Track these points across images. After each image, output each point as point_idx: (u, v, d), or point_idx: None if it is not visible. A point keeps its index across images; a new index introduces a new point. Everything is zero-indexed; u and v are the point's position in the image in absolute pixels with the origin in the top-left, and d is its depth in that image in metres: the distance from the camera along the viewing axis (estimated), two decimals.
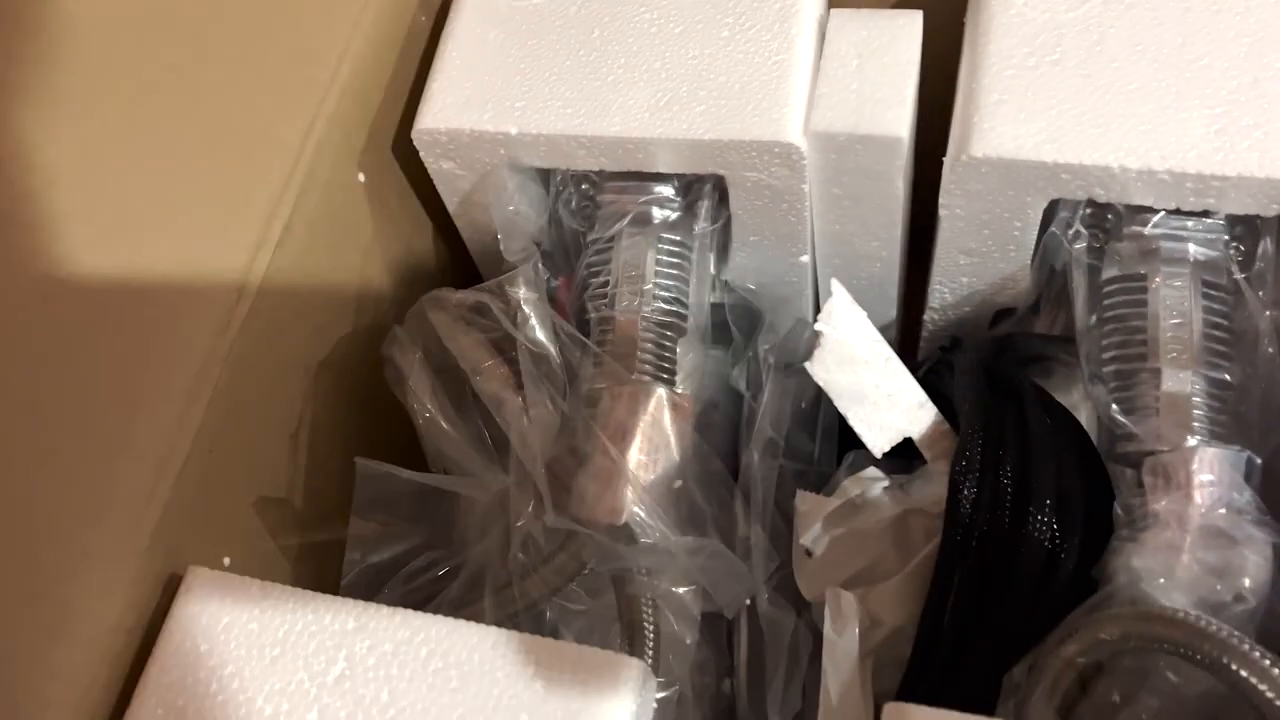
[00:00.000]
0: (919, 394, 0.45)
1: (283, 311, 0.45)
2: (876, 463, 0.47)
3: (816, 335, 0.45)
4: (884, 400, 0.44)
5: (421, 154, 0.49)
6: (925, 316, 0.53)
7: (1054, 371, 0.53)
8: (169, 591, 0.38)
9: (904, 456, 0.46)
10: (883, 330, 0.55)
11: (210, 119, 0.44)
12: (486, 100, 0.47)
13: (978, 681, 0.40)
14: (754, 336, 0.53)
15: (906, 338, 0.58)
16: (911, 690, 0.42)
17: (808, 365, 0.45)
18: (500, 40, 0.49)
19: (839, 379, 0.45)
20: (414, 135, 0.48)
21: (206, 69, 0.45)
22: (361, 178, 0.49)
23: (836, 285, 0.46)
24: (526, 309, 0.45)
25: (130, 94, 0.43)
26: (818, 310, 0.47)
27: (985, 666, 0.40)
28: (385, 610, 0.37)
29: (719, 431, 0.57)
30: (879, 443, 0.45)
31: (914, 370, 0.48)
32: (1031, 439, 0.42)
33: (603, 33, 0.48)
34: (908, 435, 0.45)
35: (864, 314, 0.45)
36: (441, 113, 0.47)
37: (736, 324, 0.55)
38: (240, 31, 0.46)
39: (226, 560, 0.43)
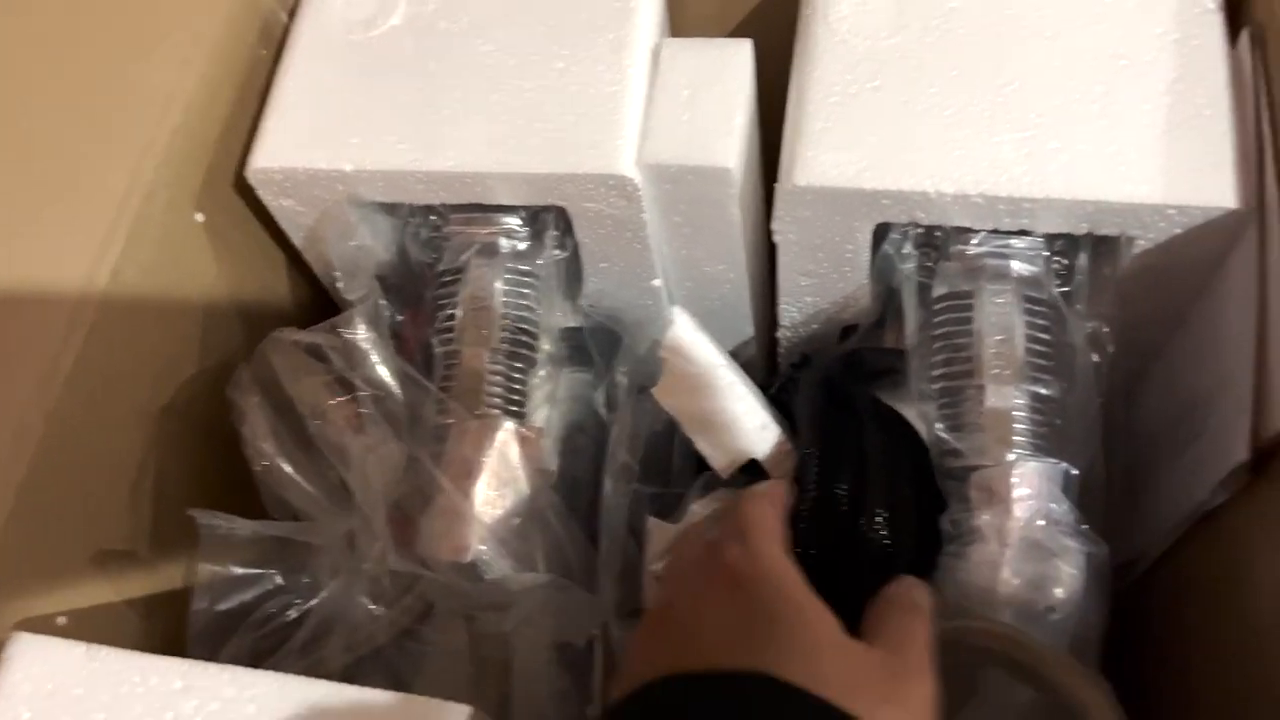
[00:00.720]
0: (762, 416, 0.46)
1: (116, 360, 0.44)
2: (729, 483, 0.48)
3: (660, 362, 0.45)
4: (728, 424, 0.45)
5: (259, 192, 0.48)
6: (778, 334, 0.53)
7: (901, 384, 0.55)
8: None
9: (758, 475, 0.47)
10: (741, 348, 0.57)
11: (27, 168, 0.42)
12: (322, 137, 0.47)
13: None
14: (614, 359, 0.53)
15: (771, 354, 0.59)
16: None
17: (653, 392, 0.46)
18: (336, 75, 0.48)
19: (684, 405, 0.45)
20: (249, 174, 0.47)
21: (21, 114, 0.43)
22: (200, 218, 0.49)
23: (679, 311, 0.46)
24: (365, 348, 0.45)
25: None
26: None
27: None
28: (213, 668, 0.36)
29: (585, 455, 0.57)
30: (723, 465, 0.45)
31: (769, 388, 0.48)
32: (867, 453, 0.43)
33: (439, 66, 0.48)
34: (752, 457, 0.45)
35: (707, 338, 0.46)
36: (276, 151, 0.47)
37: (597, 347, 0.55)
38: (60, 75, 0.45)
39: (62, 620, 0.42)
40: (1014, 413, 0.42)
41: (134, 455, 0.46)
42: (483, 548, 0.43)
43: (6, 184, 0.42)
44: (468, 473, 0.44)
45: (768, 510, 0.35)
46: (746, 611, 0.31)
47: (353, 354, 0.44)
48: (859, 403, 0.45)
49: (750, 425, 0.45)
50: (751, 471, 0.47)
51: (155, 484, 0.47)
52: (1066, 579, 0.38)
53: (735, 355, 0.57)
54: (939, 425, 0.42)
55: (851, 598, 0.40)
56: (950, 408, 0.43)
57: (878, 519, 0.42)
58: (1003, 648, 0.37)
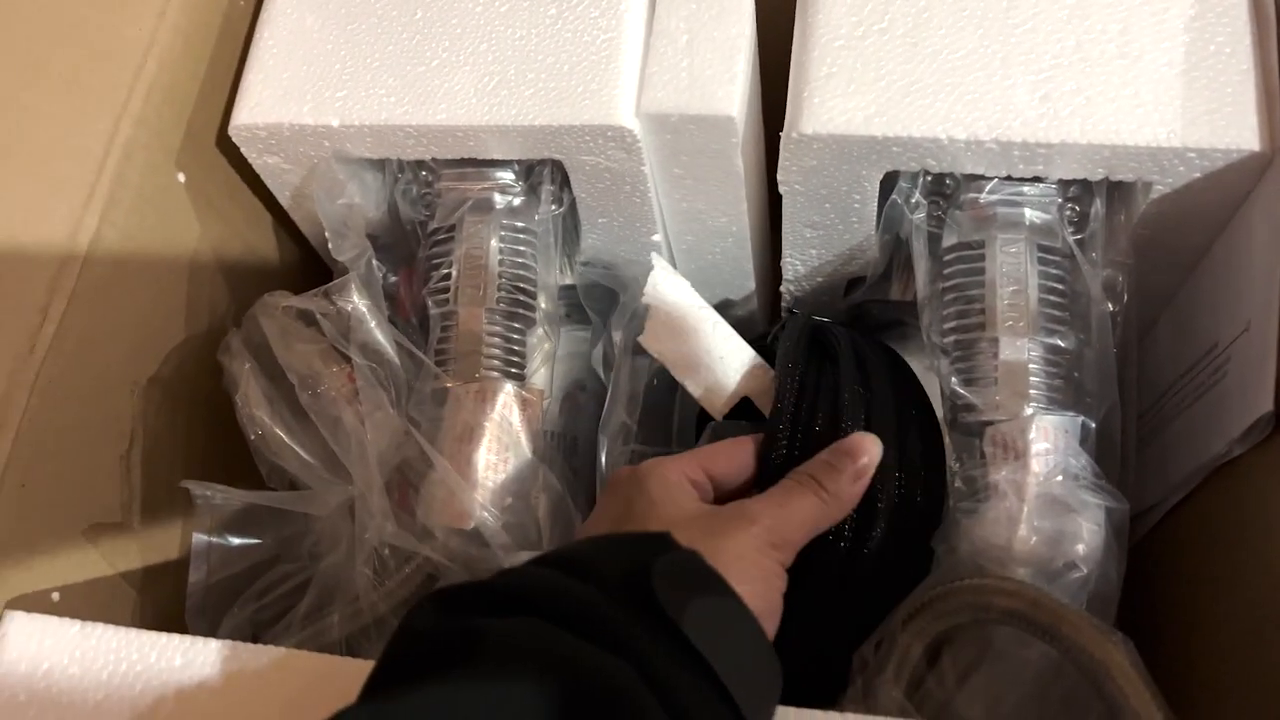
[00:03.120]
0: (749, 353, 0.45)
1: (99, 327, 0.42)
2: (735, 433, 0.47)
3: (644, 308, 0.44)
4: (716, 364, 0.44)
5: (243, 150, 0.46)
6: (782, 288, 0.52)
7: (909, 336, 0.54)
8: None
9: (755, 416, 0.46)
10: (742, 302, 0.56)
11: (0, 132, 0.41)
12: (306, 91, 0.45)
13: (804, 641, 0.40)
14: (611, 317, 0.52)
15: (773, 309, 0.58)
16: None
17: (640, 339, 0.44)
18: (319, 26, 0.46)
19: (671, 348, 0.44)
20: (231, 131, 0.45)
21: None
22: (182, 178, 0.47)
23: (656, 257, 0.45)
24: (359, 314, 0.43)
25: None
26: None
27: (808, 625, 0.40)
28: (214, 644, 0.35)
29: (586, 414, 0.56)
30: (717, 405, 0.44)
31: (761, 340, 0.47)
32: (842, 399, 0.41)
33: (426, 14, 0.45)
34: (743, 395, 0.44)
35: (687, 282, 0.45)
36: (259, 107, 0.45)
37: (593, 305, 0.54)
38: (30, 32, 0.43)
39: (55, 595, 0.41)
40: (1029, 365, 0.41)
41: (122, 425, 0.44)
42: (485, 514, 0.42)
43: None
44: (468, 438, 0.43)
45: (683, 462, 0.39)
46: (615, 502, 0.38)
47: (346, 321, 0.43)
48: (840, 347, 0.44)
49: (738, 363, 0.44)
50: (748, 413, 0.46)
51: (145, 454, 0.45)
52: (1087, 535, 0.37)
53: (736, 310, 0.56)
54: (954, 380, 0.41)
55: (828, 552, 0.39)
56: (963, 361, 0.42)
57: None
58: (1020, 606, 0.37)
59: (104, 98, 0.43)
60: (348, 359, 0.43)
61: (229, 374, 0.45)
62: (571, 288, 0.53)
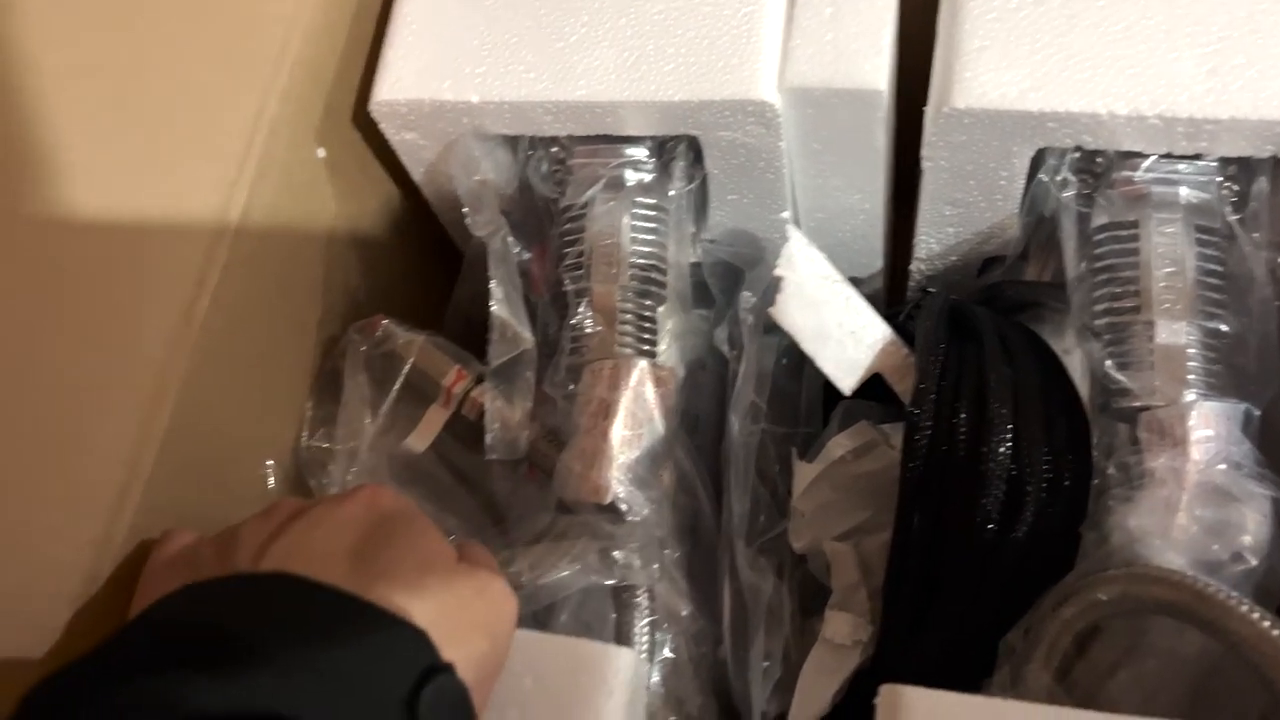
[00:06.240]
0: (884, 329, 0.44)
1: (246, 302, 0.43)
2: (867, 413, 0.46)
3: (777, 280, 0.44)
4: (848, 338, 0.44)
5: (381, 126, 0.47)
6: (912, 267, 0.51)
7: (1045, 319, 0.52)
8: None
9: (886, 396, 0.45)
10: (867, 282, 0.55)
11: (154, 104, 0.41)
12: (445, 67, 0.45)
13: (948, 627, 0.39)
14: (735, 296, 0.51)
15: (892, 288, 0.57)
16: (887, 639, 0.41)
17: (771, 311, 0.44)
18: (457, 3, 0.46)
19: (803, 322, 0.44)
20: (372, 107, 0.46)
21: (145, 49, 0.42)
22: (321, 153, 0.47)
23: (792, 229, 0.45)
24: (495, 286, 0.43)
25: (60, 80, 0.40)
26: None
27: (953, 610, 0.39)
28: None
29: (706, 392, 0.56)
30: (847, 381, 0.44)
31: (893, 319, 0.46)
32: (988, 380, 0.41)
33: None
34: (875, 370, 0.44)
35: (822, 255, 0.45)
36: (399, 83, 0.45)
37: (717, 284, 0.53)
38: (183, 7, 0.44)
39: None
40: (1188, 350, 0.39)
41: (265, 400, 0.45)
42: (620, 489, 0.42)
43: (135, 121, 0.41)
44: (604, 413, 0.43)
45: None
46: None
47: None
48: (983, 327, 0.43)
49: (871, 339, 0.44)
50: (878, 392, 0.45)
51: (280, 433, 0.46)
52: (1253, 526, 0.36)
53: (861, 290, 0.55)
54: (1108, 363, 0.40)
55: (975, 539, 0.38)
56: (1117, 345, 0.40)
57: (1001, 451, 0.39)
58: (1181, 598, 0.35)
59: (253, 72, 0.44)
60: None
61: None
62: (694, 265, 0.53)
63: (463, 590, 0.32)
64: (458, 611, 0.31)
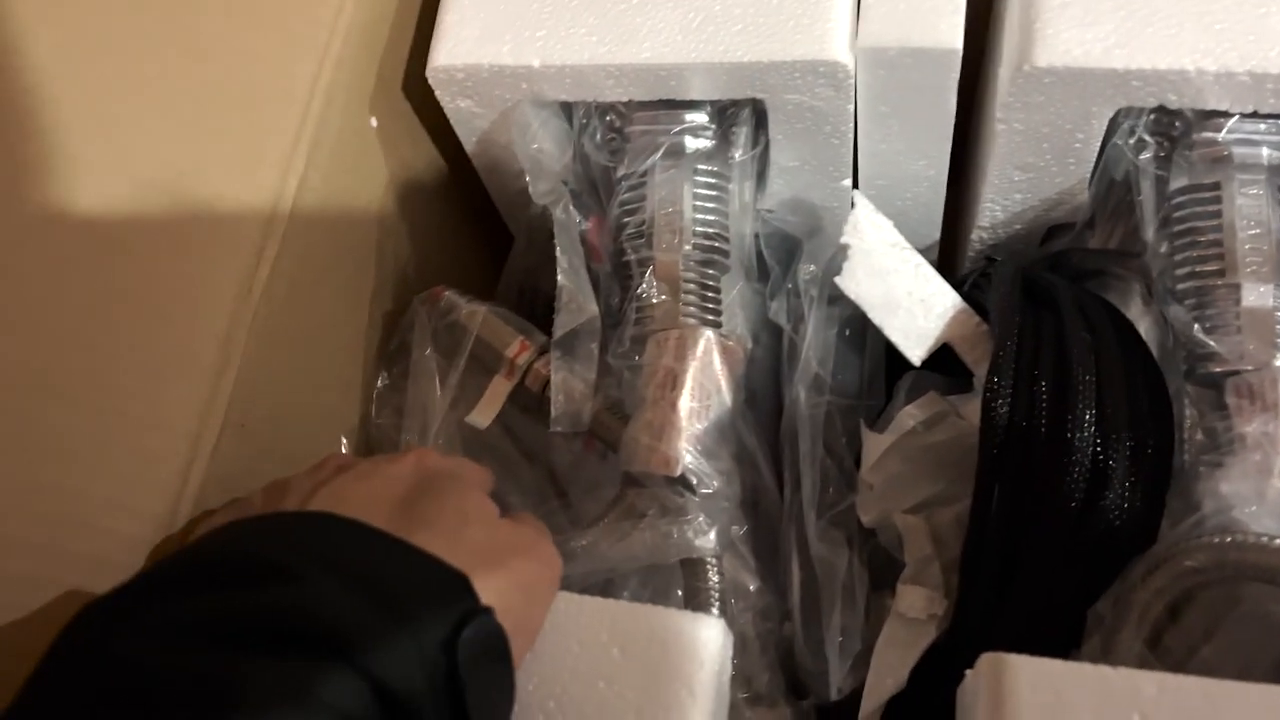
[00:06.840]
0: (953, 297, 0.43)
1: (305, 272, 0.42)
2: (933, 384, 0.45)
3: (844, 248, 0.43)
4: (917, 306, 0.43)
5: (438, 93, 0.45)
6: (973, 235, 0.50)
7: (1110, 286, 0.51)
8: None
9: (954, 368, 0.45)
10: (925, 251, 0.54)
11: (211, 72, 0.40)
12: (504, 31, 0.44)
13: (1034, 599, 0.39)
14: (792, 267, 0.50)
15: (947, 256, 0.56)
16: (966, 612, 0.40)
17: (837, 280, 0.43)
18: None
19: (870, 290, 0.43)
20: (429, 73, 0.44)
21: (202, 15, 0.41)
22: (374, 122, 0.46)
23: (859, 196, 0.44)
24: (560, 255, 0.42)
25: (121, 50, 0.39)
26: None
27: (1038, 582, 0.38)
28: None
29: (759, 366, 0.55)
30: (916, 351, 0.43)
31: (956, 288, 0.45)
32: (1069, 348, 0.40)
33: None
34: (945, 340, 0.43)
35: (890, 222, 0.44)
36: (457, 48, 0.44)
37: (773, 255, 0.52)
38: None
39: None
40: (1276, 312, 0.38)
41: (322, 369, 0.44)
42: (689, 461, 0.41)
43: (194, 92, 0.40)
44: (671, 384, 0.42)
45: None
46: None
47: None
48: (1060, 295, 0.42)
49: (941, 307, 0.43)
50: (947, 364, 0.44)
51: (341, 397, 0.45)
52: None
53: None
54: (1195, 327, 0.39)
55: (1060, 510, 0.37)
56: (1202, 308, 0.40)
57: (1086, 420, 0.38)
58: (1278, 563, 0.35)
59: (309, 39, 0.43)
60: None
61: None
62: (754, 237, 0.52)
63: (502, 545, 0.33)
64: (495, 565, 0.31)
